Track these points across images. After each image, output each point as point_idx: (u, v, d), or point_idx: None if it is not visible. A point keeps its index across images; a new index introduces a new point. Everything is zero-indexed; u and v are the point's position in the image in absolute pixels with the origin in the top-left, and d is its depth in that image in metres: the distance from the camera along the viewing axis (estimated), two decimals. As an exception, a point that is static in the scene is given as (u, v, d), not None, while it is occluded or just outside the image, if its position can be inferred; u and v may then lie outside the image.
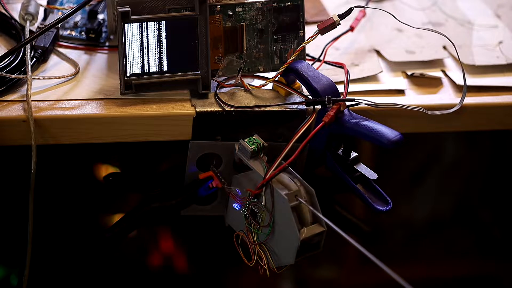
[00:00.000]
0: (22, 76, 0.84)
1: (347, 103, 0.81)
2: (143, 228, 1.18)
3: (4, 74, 0.83)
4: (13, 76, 0.83)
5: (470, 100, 0.90)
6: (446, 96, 0.91)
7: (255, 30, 0.86)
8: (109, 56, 0.92)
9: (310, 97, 0.83)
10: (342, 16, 0.85)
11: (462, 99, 0.87)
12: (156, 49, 0.83)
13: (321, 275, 1.33)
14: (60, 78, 0.86)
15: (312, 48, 0.91)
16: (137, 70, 0.83)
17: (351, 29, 0.95)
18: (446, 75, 0.94)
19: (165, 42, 0.82)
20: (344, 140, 0.84)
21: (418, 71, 0.93)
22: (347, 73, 0.85)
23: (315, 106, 0.82)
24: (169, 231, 1.21)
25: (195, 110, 0.83)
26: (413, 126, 0.90)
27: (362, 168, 0.83)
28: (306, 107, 0.84)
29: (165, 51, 0.83)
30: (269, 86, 0.87)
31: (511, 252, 1.33)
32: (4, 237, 1.07)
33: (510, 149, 1.32)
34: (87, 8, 0.94)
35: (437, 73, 0.94)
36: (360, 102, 0.81)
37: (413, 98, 0.90)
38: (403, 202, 1.34)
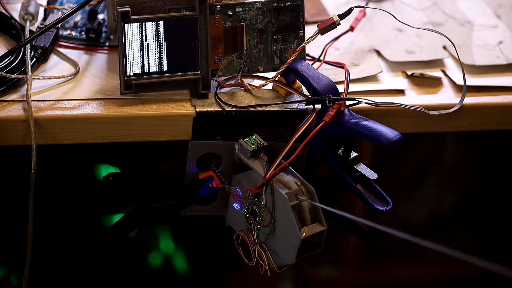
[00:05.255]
0: (22, 76, 0.84)
1: (348, 102, 0.81)
2: (143, 228, 1.18)
3: (4, 74, 0.83)
4: (13, 76, 0.83)
5: (470, 100, 0.90)
6: (446, 96, 0.91)
7: (255, 30, 0.86)
8: (109, 56, 0.92)
9: (310, 97, 0.83)
10: (342, 16, 0.85)
11: (462, 99, 0.87)
12: (156, 49, 0.83)
13: (321, 275, 1.33)
14: (60, 78, 0.86)
15: (312, 48, 0.91)
16: (137, 70, 0.83)
17: (351, 29, 0.95)
18: (446, 75, 0.94)
19: (165, 42, 0.82)
20: (344, 140, 0.84)
21: (418, 71, 0.93)
22: (347, 72, 0.85)
23: (315, 106, 0.82)
24: (169, 231, 1.21)
25: (195, 110, 0.83)
26: (413, 126, 0.90)
27: (362, 168, 0.83)
28: (306, 106, 0.84)
29: (165, 51, 0.83)
30: (269, 86, 0.87)
31: (511, 252, 1.33)
32: (4, 237, 1.07)
33: (510, 149, 1.32)
34: (87, 8, 0.94)
35: (437, 73, 0.94)
36: (360, 101, 0.81)
37: (413, 98, 0.90)
38: (403, 202, 1.34)
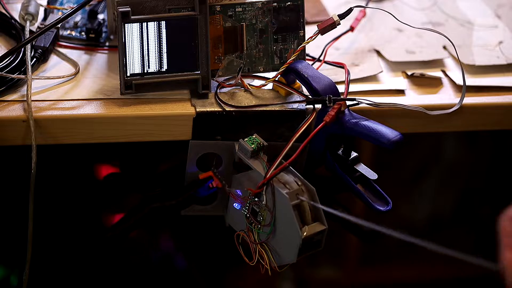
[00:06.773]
0: (22, 76, 0.84)
1: (348, 102, 0.81)
2: (143, 228, 1.18)
3: (4, 74, 0.83)
4: (13, 76, 0.83)
5: (470, 100, 0.90)
6: (446, 96, 0.91)
7: (255, 30, 0.86)
8: (109, 56, 0.92)
9: (311, 97, 0.83)
10: (342, 16, 0.85)
11: (462, 99, 0.87)
12: (156, 49, 0.83)
13: (321, 275, 1.33)
14: (60, 78, 0.86)
15: (312, 48, 0.91)
16: (137, 70, 0.83)
17: (351, 29, 0.95)
18: (446, 75, 0.94)
19: (165, 42, 0.82)
20: (344, 140, 0.84)
21: (418, 71, 0.93)
22: (348, 72, 0.85)
23: (315, 106, 0.82)
24: (169, 231, 1.21)
25: (195, 110, 0.83)
26: (413, 126, 0.90)
27: (362, 168, 0.83)
28: (306, 106, 0.84)
29: (165, 51, 0.83)
30: (269, 86, 0.87)
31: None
32: (4, 237, 1.07)
33: (510, 149, 1.32)
34: (87, 8, 0.94)
35: (437, 73, 0.94)
36: (360, 102, 0.82)
37: (413, 98, 0.90)
38: (403, 202, 1.34)
